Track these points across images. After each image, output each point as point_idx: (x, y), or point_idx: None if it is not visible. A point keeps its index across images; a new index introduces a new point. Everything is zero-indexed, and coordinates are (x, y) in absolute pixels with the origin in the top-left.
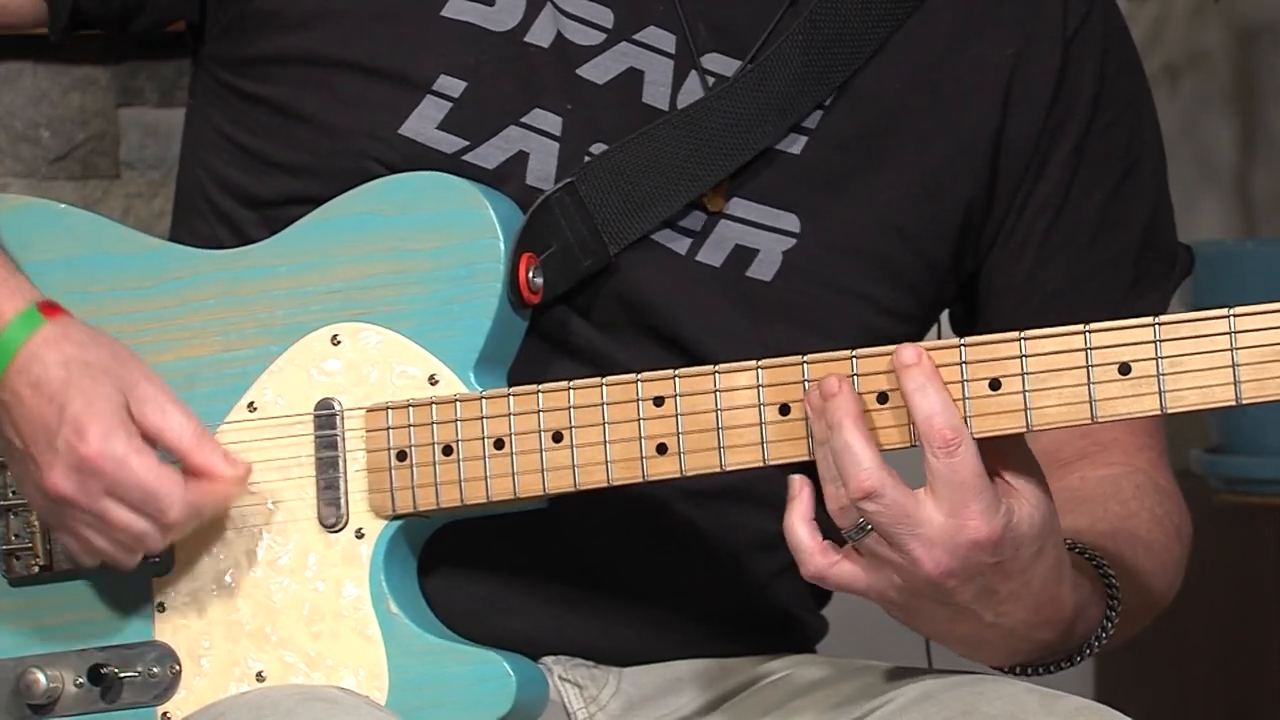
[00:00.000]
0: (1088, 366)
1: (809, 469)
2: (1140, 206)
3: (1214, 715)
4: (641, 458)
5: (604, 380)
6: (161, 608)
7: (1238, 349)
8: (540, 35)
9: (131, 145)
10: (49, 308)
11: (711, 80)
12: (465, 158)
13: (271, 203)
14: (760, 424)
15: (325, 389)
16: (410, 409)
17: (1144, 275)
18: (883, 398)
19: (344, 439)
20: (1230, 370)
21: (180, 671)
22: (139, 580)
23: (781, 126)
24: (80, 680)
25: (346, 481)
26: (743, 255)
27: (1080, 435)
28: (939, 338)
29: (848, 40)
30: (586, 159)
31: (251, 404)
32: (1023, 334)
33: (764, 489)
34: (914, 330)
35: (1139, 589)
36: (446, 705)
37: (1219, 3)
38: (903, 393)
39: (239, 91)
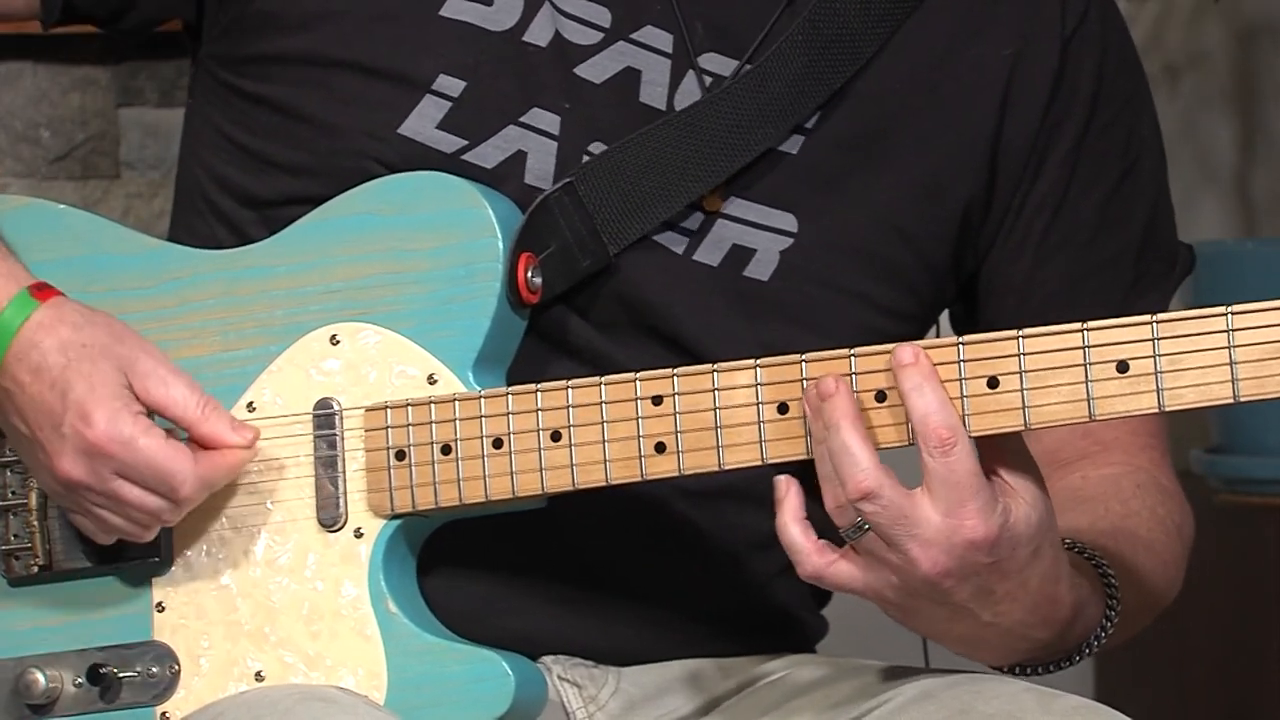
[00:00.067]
0: (1085, 365)
1: (808, 468)
2: (1140, 206)
3: (1214, 715)
4: (640, 457)
5: (602, 379)
6: (160, 607)
7: (1235, 347)
8: (538, 34)
9: (131, 145)
10: (41, 290)
11: (709, 80)
12: (464, 157)
13: (271, 202)
14: (759, 423)
15: (324, 389)
16: (409, 408)
17: (1144, 275)
18: (881, 396)
19: (343, 439)
20: (1228, 368)
21: (179, 671)
22: (138, 580)
23: (783, 128)
24: (79, 680)
25: (345, 481)
26: (740, 255)
27: (1081, 435)
28: (939, 337)
29: (847, 41)
30: (585, 158)
31: (250, 404)
32: (1021, 332)
33: (763, 488)
34: (913, 330)
35: (1139, 588)
36: (445, 704)
37: (1219, 3)
38: (900, 392)
39: (239, 91)
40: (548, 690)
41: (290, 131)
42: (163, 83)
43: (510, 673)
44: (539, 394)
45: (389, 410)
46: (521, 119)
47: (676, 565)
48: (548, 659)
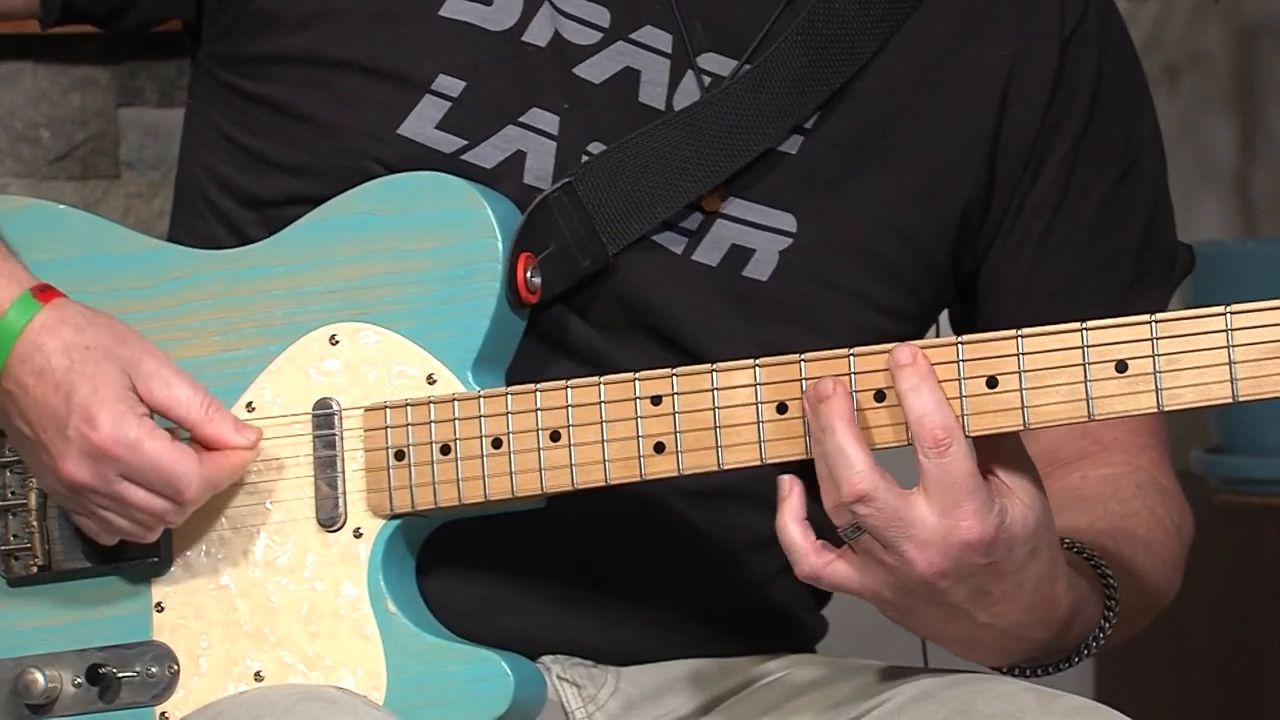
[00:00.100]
0: (1084, 364)
1: (807, 467)
2: (1139, 206)
3: (1214, 715)
4: (639, 457)
5: (601, 379)
6: (160, 608)
7: (1234, 346)
8: (538, 34)
9: (131, 145)
10: (44, 291)
11: (708, 80)
12: (463, 157)
13: (270, 203)
14: (758, 423)
15: (323, 389)
16: (408, 408)
17: (1143, 275)
18: (880, 396)
19: (342, 438)
20: (1227, 368)
21: (178, 671)
22: (137, 580)
23: (782, 128)
24: (78, 680)
25: (344, 481)
26: (739, 255)
27: (1081, 435)
28: (938, 337)
29: (846, 41)
30: (584, 158)
31: (250, 404)
32: (1019, 332)
33: (762, 488)
34: (913, 330)
35: (1138, 588)
36: (444, 704)
37: (1219, 3)
38: (897, 392)
39: (238, 91)
40: (547, 690)
41: (290, 132)
42: (163, 83)
43: (509, 673)
44: (538, 394)
45: (388, 410)
46: (520, 119)
47: (676, 565)
48: (547, 659)
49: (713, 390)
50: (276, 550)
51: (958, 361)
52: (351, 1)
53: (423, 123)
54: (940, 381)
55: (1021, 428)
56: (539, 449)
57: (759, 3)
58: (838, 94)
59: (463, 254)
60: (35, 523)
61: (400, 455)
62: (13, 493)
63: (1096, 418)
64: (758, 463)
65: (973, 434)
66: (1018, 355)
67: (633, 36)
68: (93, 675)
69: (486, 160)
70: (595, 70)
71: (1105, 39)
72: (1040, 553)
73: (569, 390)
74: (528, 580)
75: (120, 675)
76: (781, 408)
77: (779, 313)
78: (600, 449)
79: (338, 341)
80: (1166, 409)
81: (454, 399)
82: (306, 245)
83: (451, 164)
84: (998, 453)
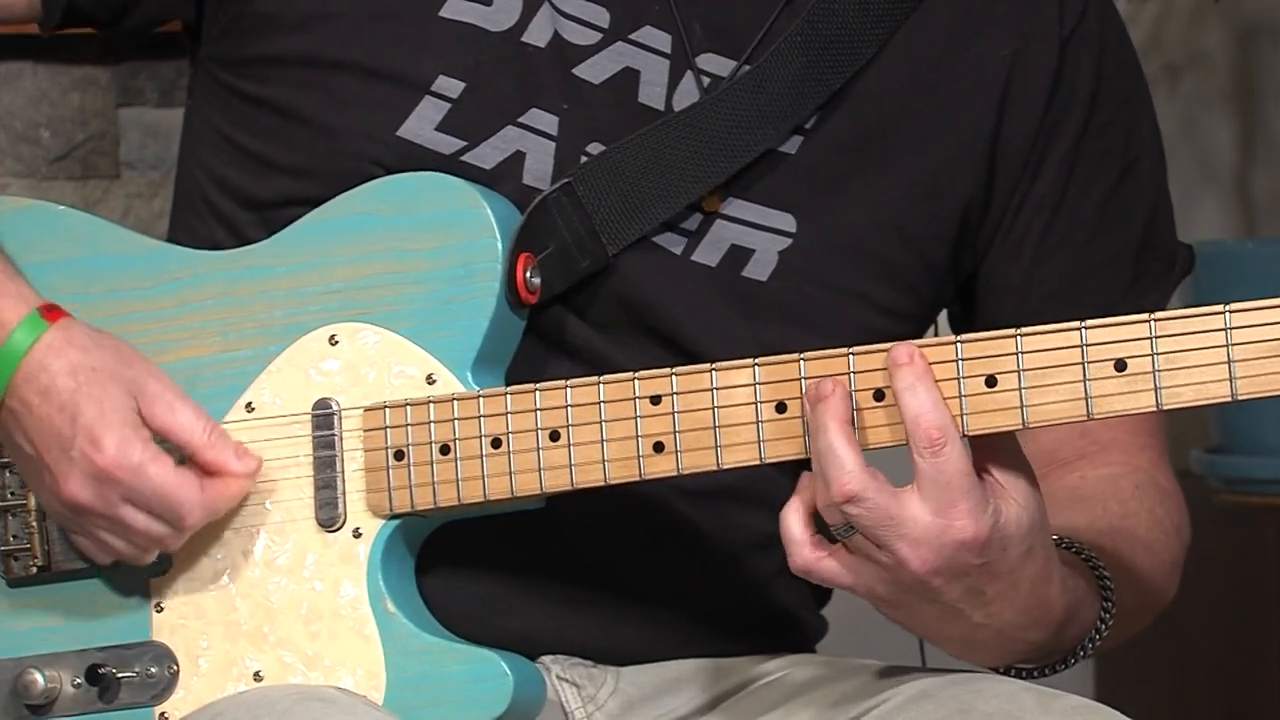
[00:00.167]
0: (1083, 363)
1: (806, 467)
2: (1139, 205)
3: (1214, 715)
4: (639, 456)
5: (601, 379)
6: (159, 608)
7: (1233, 345)
8: (537, 35)
9: (131, 145)
10: (50, 311)
11: (707, 81)
12: (463, 158)
13: (270, 204)
14: (757, 422)
15: (323, 389)
16: (408, 408)
17: (1143, 274)
18: (879, 395)
19: (341, 439)
20: (1226, 366)
21: (178, 671)
22: (137, 580)
23: (782, 129)
24: (78, 680)
25: (344, 481)
26: (738, 255)
27: (1079, 434)
28: (937, 336)
29: (846, 41)
30: (583, 159)
31: (249, 404)
32: (1019, 331)
33: (762, 488)
34: (912, 330)
35: (1137, 588)
36: (444, 704)
37: (1219, 3)
38: (894, 391)
39: (238, 92)
40: (546, 690)
41: (290, 133)
42: (163, 83)
43: (509, 672)
44: (537, 394)
45: (388, 410)
46: (520, 119)
47: (676, 565)
48: (546, 659)
49: (712, 390)
50: (276, 550)
51: (957, 361)
52: (351, 3)
53: (422, 124)
54: (939, 381)
55: (1020, 427)
56: (538, 449)
57: (758, 3)
58: (837, 94)
59: (462, 254)
60: (35, 523)
61: (400, 455)
62: (12, 493)
63: (1095, 417)
64: (757, 462)
65: (971, 433)
66: (1017, 354)
67: (632, 37)
68: (92, 675)
69: (486, 161)
70: (595, 71)
71: (1105, 39)
72: (1035, 553)
73: (568, 390)
74: (527, 580)
75: (120, 675)
76: (781, 407)
77: (778, 313)
78: (600, 449)
79: (337, 342)
80: (1165, 408)
81: (453, 399)
82: (306, 245)
83: (451, 165)
84: (993, 453)
